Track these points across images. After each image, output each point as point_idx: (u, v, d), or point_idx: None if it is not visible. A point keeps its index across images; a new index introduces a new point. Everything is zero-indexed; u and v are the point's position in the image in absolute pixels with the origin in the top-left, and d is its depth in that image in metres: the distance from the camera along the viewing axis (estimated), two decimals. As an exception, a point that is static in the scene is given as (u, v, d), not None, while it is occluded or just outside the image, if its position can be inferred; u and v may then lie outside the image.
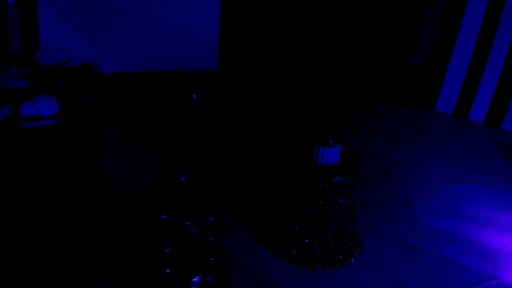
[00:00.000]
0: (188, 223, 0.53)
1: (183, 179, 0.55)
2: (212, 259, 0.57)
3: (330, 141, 0.61)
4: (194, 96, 0.52)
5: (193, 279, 0.55)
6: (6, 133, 0.64)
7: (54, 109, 0.66)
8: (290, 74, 1.37)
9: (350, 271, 0.63)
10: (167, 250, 0.54)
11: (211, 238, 0.56)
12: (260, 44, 1.40)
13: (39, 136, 0.67)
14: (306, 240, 0.62)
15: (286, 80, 1.34)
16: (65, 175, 0.73)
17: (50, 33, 1.19)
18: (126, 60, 1.28)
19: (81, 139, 0.73)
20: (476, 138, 1.12)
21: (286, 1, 1.37)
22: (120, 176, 0.80)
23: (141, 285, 0.56)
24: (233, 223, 0.71)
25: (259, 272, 0.61)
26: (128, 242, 0.60)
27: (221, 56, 1.36)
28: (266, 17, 1.38)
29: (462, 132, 1.14)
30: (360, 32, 1.34)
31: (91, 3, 1.20)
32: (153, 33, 1.28)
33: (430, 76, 1.26)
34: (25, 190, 0.70)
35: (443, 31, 1.22)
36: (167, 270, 0.54)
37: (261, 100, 1.19)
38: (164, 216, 0.53)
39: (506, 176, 0.92)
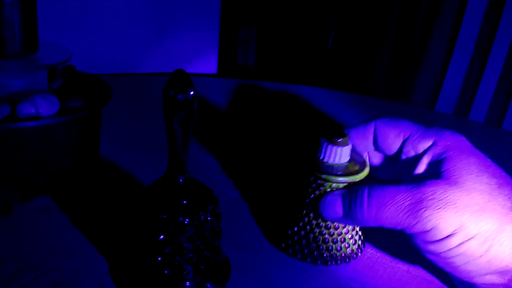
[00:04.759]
0: (187, 223, 0.53)
1: (181, 180, 0.55)
2: (212, 259, 0.57)
3: (340, 140, 0.60)
4: (193, 96, 0.51)
5: (192, 280, 0.55)
6: (6, 133, 0.64)
7: (54, 109, 0.66)
8: (291, 74, 1.37)
9: (350, 271, 0.63)
10: (166, 250, 0.53)
11: (211, 238, 0.56)
12: (261, 45, 1.40)
13: (38, 136, 0.67)
14: (310, 236, 0.62)
15: (287, 80, 1.34)
16: (64, 174, 0.73)
17: (50, 33, 1.19)
18: (126, 60, 1.28)
19: (81, 139, 0.73)
20: (476, 138, 1.11)
21: (286, 2, 1.38)
22: (120, 176, 0.80)
23: (140, 285, 0.56)
24: (233, 223, 0.70)
25: (259, 272, 0.61)
26: (127, 242, 0.60)
27: (221, 59, 1.37)
28: (266, 18, 1.39)
29: (462, 132, 1.14)
30: (361, 32, 1.34)
31: (91, 3, 1.21)
32: (154, 34, 1.28)
33: (430, 76, 1.26)
34: (24, 189, 0.70)
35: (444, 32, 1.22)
36: (166, 271, 0.54)
37: (261, 100, 1.19)
38: (165, 216, 0.53)
39: (506, 176, 0.92)
